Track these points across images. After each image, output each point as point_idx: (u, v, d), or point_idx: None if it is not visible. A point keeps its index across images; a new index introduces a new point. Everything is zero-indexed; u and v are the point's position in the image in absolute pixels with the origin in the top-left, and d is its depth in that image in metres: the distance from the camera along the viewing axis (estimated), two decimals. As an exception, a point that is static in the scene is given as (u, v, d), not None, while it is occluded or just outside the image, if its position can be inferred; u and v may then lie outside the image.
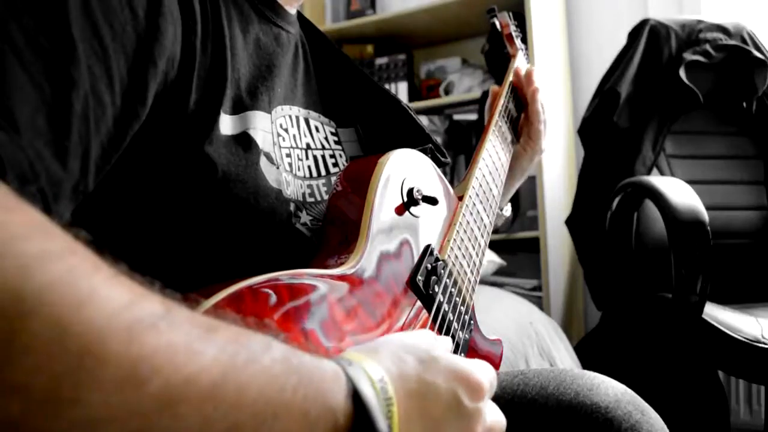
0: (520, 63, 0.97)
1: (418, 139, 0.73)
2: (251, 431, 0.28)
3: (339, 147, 0.70)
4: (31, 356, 0.24)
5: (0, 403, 0.23)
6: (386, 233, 0.56)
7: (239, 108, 0.56)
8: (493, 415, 0.43)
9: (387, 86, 2.41)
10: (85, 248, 0.28)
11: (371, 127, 0.76)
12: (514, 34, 1.00)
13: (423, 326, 0.55)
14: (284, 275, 0.43)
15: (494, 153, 0.79)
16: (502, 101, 0.87)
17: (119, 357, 0.25)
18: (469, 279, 0.64)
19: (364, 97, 0.76)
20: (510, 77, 0.92)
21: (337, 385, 0.33)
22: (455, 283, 0.61)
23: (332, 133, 0.70)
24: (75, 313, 0.25)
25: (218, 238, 0.53)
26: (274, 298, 0.41)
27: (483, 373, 0.41)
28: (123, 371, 0.25)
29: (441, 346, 0.42)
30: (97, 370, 0.25)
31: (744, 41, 1.76)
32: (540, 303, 1.97)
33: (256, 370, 0.30)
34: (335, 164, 0.68)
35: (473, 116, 2.27)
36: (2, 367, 0.23)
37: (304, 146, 0.65)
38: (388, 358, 0.38)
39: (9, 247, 0.25)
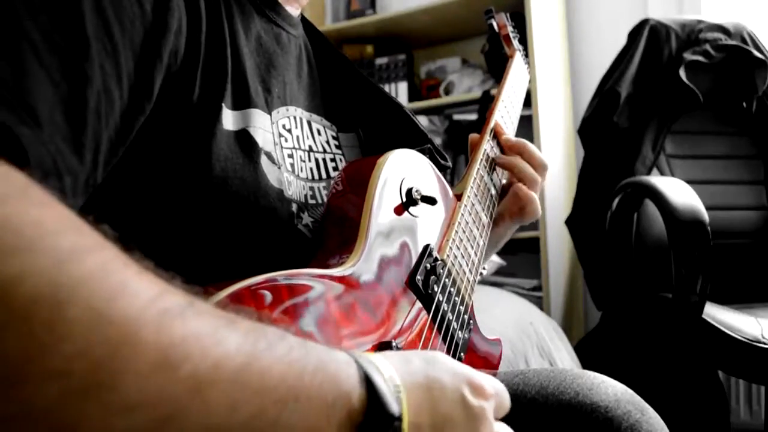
0: (517, 64, 0.97)
1: (420, 145, 0.73)
2: (275, 414, 0.29)
3: (339, 151, 0.70)
4: (70, 343, 0.24)
5: (40, 388, 0.24)
6: (385, 233, 0.56)
7: (240, 104, 0.56)
8: (502, 428, 0.43)
9: (387, 86, 2.41)
10: (114, 244, 0.29)
11: (373, 132, 0.76)
12: (511, 34, 1.00)
13: (422, 326, 0.55)
14: (283, 275, 0.43)
15: (492, 154, 0.79)
16: (498, 105, 0.86)
17: (151, 344, 0.26)
18: (468, 279, 0.64)
19: (366, 101, 0.76)
20: (507, 78, 0.92)
21: (350, 371, 0.34)
22: (454, 282, 0.61)
23: (333, 138, 0.70)
24: (109, 303, 0.26)
25: (219, 235, 0.53)
26: (272, 299, 0.41)
27: (485, 378, 0.42)
28: (156, 357, 0.26)
29: (442, 354, 0.43)
30: (131, 357, 0.26)
31: (744, 41, 1.76)
32: (540, 303, 1.97)
33: (277, 356, 0.31)
34: (335, 168, 0.68)
35: (473, 116, 2.27)
36: (43, 354, 0.24)
37: (307, 148, 0.65)
38: (394, 357, 0.39)
39: (44, 242, 0.26)
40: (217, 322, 0.30)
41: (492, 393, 0.41)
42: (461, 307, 0.61)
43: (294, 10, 0.69)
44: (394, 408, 0.34)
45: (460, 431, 0.38)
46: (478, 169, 0.74)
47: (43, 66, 0.37)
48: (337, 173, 0.67)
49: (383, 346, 0.48)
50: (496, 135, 0.81)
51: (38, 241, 0.25)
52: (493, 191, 0.77)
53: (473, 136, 0.82)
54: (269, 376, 0.30)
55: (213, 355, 0.28)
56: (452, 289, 0.60)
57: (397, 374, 0.36)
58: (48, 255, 0.25)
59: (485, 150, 0.78)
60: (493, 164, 0.78)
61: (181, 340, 0.27)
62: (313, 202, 0.63)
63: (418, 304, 0.55)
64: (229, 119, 0.54)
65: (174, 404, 0.26)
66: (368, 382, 0.34)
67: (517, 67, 0.96)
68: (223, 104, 0.54)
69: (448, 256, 0.62)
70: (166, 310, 0.28)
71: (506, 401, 0.44)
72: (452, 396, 0.39)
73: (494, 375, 0.68)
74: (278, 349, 0.31)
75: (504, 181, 0.80)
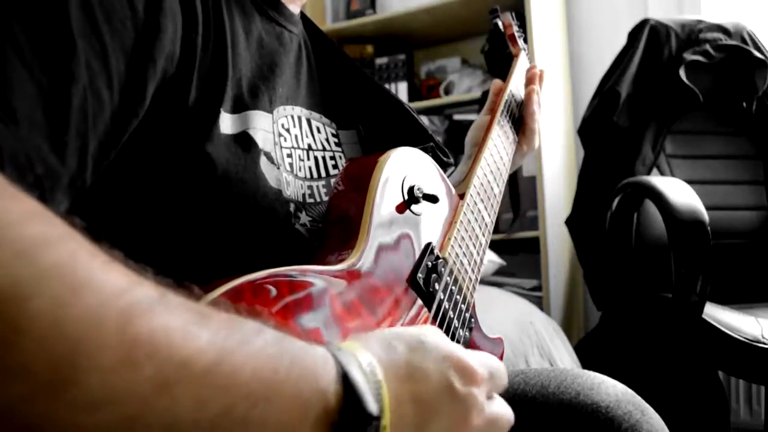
0: (522, 63, 0.97)
1: (421, 141, 0.73)
2: (245, 412, 0.29)
3: (339, 149, 0.70)
4: (30, 339, 0.24)
5: (2, 386, 0.24)
6: (387, 231, 0.56)
7: (239, 107, 0.56)
8: (498, 407, 0.42)
9: (387, 86, 2.41)
10: (82, 235, 0.28)
11: (373, 129, 0.75)
12: (516, 34, 1.00)
13: (424, 324, 0.55)
14: (285, 271, 0.43)
15: (496, 152, 0.79)
16: (505, 98, 0.86)
17: (116, 340, 0.26)
18: (470, 277, 0.64)
19: (366, 98, 0.76)
20: (513, 75, 0.92)
21: (327, 367, 0.33)
22: (456, 281, 0.61)
23: (333, 135, 0.70)
24: (72, 297, 0.25)
25: (217, 236, 0.53)
26: (274, 294, 0.41)
27: (476, 360, 0.41)
28: (120, 354, 0.26)
29: (433, 333, 0.42)
30: (94, 353, 0.25)
31: (744, 41, 1.76)
32: (540, 303, 1.97)
33: (250, 353, 0.30)
34: (335, 166, 0.68)
35: (473, 116, 2.27)
36: (3, 351, 0.24)
37: (306, 147, 0.65)
38: (377, 345, 0.38)
39: (7, 233, 0.25)
40: (188, 317, 0.29)
41: (483, 376, 0.40)
42: (463, 305, 0.61)
43: (295, 8, 0.69)
44: (372, 407, 0.33)
45: (447, 420, 0.37)
46: (481, 167, 0.74)
47: (25, 63, 0.37)
48: (338, 172, 0.67)
49: None
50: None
51: (0, 232, 0.25)
52: (496, 190, 0.77)
53: (482, 120, 0.84)
54: (240, 372, 0.29)
55: (181, 351, 0.27)
56: (454, 288, 0.60)
57: (378, 366, 0.35)
58: (10, 247, 0.25)
59: (488, 148, 0.78)
60: (495, 164, 0.78)
61: (148, 335, 0.27)
62: (312, 201, 0.63)
63: (420, 302, 0.55)
64: (228, 123, 0.54)
65: (139, 402, 0.26)
66: (345, 379, 0.33)
67: (522, 65, 0.96)
68: (221, 108, 0.53)
69: (449, 254, 0.61)
70: (132, 304, 0.27)
71: (503, 380, 0.42)
72: (438, 385, 0.38)
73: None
74: (252, 345, 0.30)
75: (502, 188, 0.80)
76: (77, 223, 0.29)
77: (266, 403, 0.29)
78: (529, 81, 0.91)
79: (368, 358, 0.35)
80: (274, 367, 0.30)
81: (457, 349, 0.40)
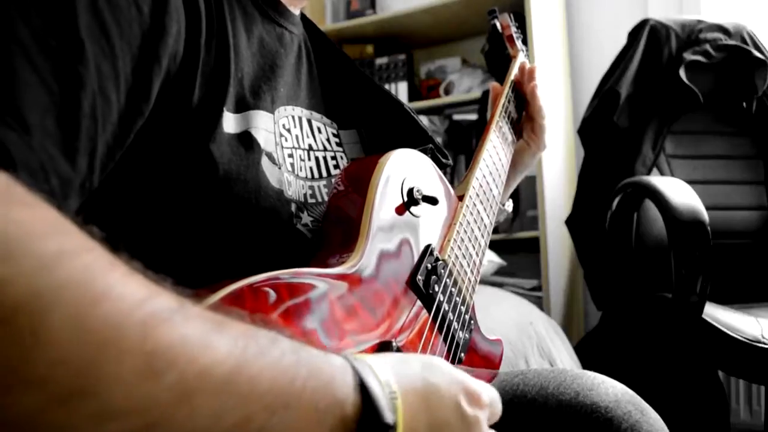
0: (519, 65, 0.97)
1: (420, 141, 0.73)
2: (263, 421, 0.29)
3: (340, 149, 0.70)
4: (50, 350, 0.24)
5: (20, 395, 0.24)
6: (386, 233, 0.56)
7: (242, 107, 0.56)
8: None
9: (387, 86, 2.41)
10: (101, 246, 0.28)
11: (373, 129, 0.76)
12: (515, 35, 1.00)
13: (423, 326, 0.55)
14: (284, 274, 0.43)
15: (495, 153, 0.79)
16: (502, 101, 0.87)
17: (136, 350, 0.26)
18: (469, 279, 0.64)
19: (366, 98, 0.76)
20: (511, 77, 0.92)
21: (345, 377, 0.33)
22: (455, 282, 0.61)
23: (334, 135, 0.70)
24: (92, 309, 0.25)
25: (219, 236, 0.53)
26: (273, 297, 0.41)
27: (482, 387, 0.42)
28: (140, 364, 0.26)
29: (442, 360, 0.43)
30: (114, 363, 0.25)
31: (744, 41, 1.76)
32: (540, 303, 1.97)
33: (267, 363, 0.30)
34: (336, 166, 0.68)
35: (473, 116, 2.27)
36: (22, 361, 0.24)
37: (306, 147, 0.65)
38: (393, 360, 0.39)
39: (27, 245, 0.25)
40: (206, 327, 0.29)
41: (487, 402, 0.42)
42: (462, 307, 0.62)
43: (295, 9, 0.69)
44: (388, 417, 0.33)
45: None
46: (480, 169, 0.74)
47: (34, 70, 0.37)
48: (338, 173, 0.67)
49: (383, 345, 0.48)
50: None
51: (21, 245, 0.25)
52: (495, 191, 0.77)
53: (496, 86, 0.88)
54: (258, 382, 0.29)
55: (200, 361, 0.28)
56: (453, 289, 0.60)
57: (394, 378, 0.36)
58: (31, 260, 0.25)
59: (487, 150, 0.78)
60: (494, 165, 0.78)
61: (168, 345, 0.27)
62: (313, 201, 0.63)
63: (419, 304, 0.55)
64: (230, 122, 0.54)
65: (159, 411, 0.26)
66: (363, 389, 0.33)
67: (523, 62, 0.96)
68: (224, 108, 0.53)
69: (449, 256, 0.62)
70: (152, 315, 0.27)
71: (499, 410, 0.44)
72: (448, 403, 0.39)
73: (495, 375, 0.69)
74: (269, 355, 0.31)
75: (501, 189, 0.80)
76: (96, 233, 0.29)
77: (284, 413, 0.30)
78: (530, 78, 0.91)
79: (385, 371, 0.36)
80: (290, 378, 0.31)
81: (465, 375, 0.42)
